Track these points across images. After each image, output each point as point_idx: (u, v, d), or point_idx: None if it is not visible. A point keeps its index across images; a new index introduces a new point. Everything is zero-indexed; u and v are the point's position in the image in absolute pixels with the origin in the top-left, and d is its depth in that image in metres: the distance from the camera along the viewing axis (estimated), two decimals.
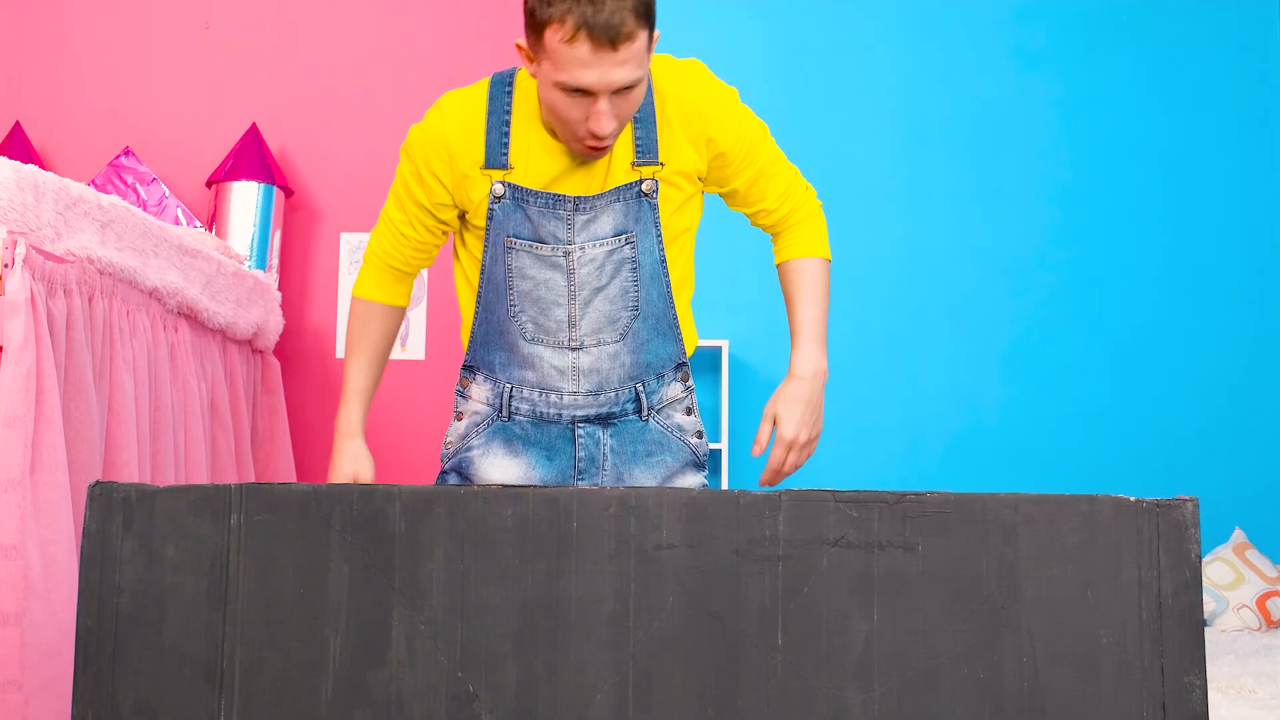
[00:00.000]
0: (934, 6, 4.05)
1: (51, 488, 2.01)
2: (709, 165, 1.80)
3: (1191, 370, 3.90)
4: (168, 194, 3.81)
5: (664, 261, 1.81)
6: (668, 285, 1.82)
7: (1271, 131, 3.98)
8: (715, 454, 3.76)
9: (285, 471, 3.47)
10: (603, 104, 1.60)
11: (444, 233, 1.85)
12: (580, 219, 1.74)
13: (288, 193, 3.84)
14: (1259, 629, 3.39)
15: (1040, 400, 3.90)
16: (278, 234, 3.75)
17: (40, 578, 1.95)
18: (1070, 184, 3.96)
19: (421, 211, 1.79)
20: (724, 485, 3.72)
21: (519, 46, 1.68)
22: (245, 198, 3.69)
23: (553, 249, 1.75)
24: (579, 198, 1.74)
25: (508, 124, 1.74)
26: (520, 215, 1.74)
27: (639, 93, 1.64)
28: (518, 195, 1.73)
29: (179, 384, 2.79)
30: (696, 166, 1.79)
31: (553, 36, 1.56)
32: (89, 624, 1.24)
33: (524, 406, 1.83)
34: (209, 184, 3.78)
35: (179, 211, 3.78)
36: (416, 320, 3.91)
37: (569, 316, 1.78)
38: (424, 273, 3.93)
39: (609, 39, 1.54)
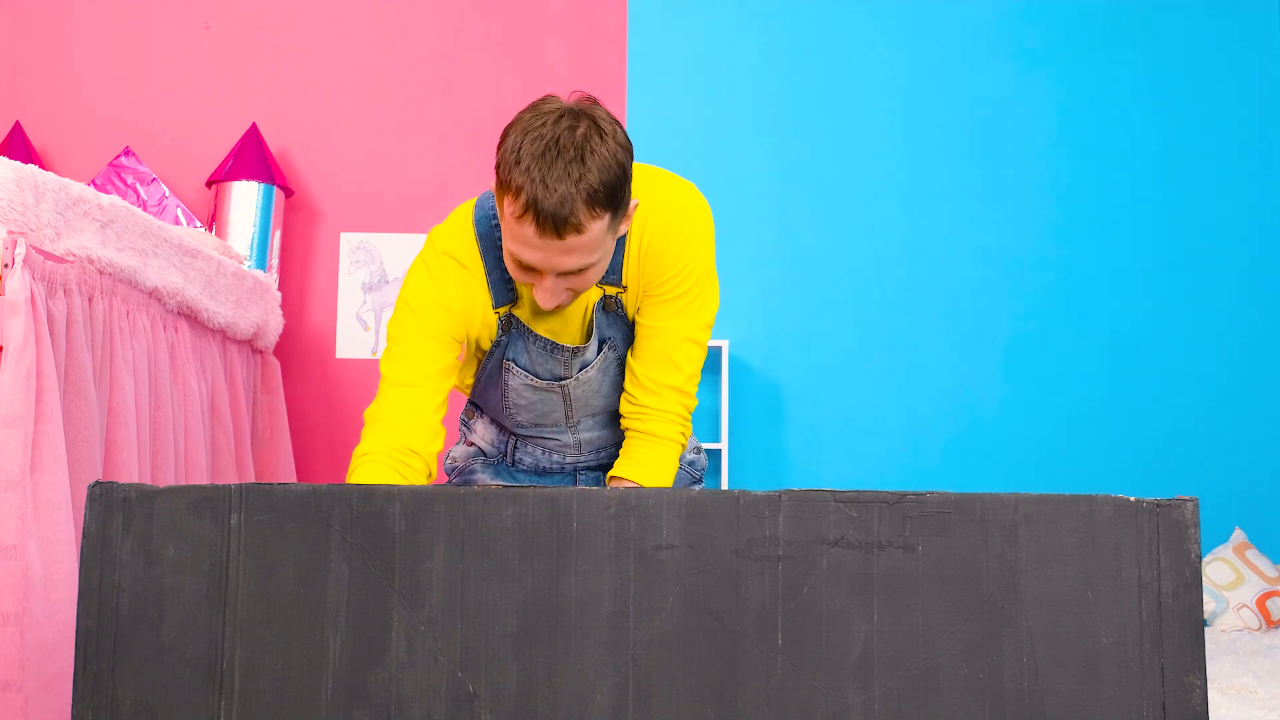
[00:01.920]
0: (933, 7, 4.05)
1: (51, 488, 2.01)
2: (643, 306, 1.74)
3: (1191, 370, 3.90)
4: (168, 194, 3.81)
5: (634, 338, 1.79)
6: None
7: (1270, 131, 3.98)
8: (715, 454, 3.77)
9: (285, 471, 3.47)
10: (548, 282, 1.53)
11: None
12: (576, 361, 1.74)
13: (288, 193, 3.84)
14: (1259, 629, 3.39)
15: (1040, 400, 3.90)
16: (278, 234, 3.75)
17: (40, 578, 1.95)
18: (1069, 183, 3.96)
19: (445, 340, 1.69)
20: (724, 485, 3.72)
21: (495, 195, 1.59)
22: (245, 198, 3.69)
23: (549, 385, 1.76)
24: (575, 348, 1.72)
25: (503, 260, 1.66)
26: (521, 347, 1.73)
27: (595, 272, 1.55)
28: (519, 329, 1.71)
29: (179, 384, 2.79)
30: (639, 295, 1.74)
31: (507, 206, 1.49)
32: (89, 624, 1.24)
33: (527, 459, 1.88)
34: (209, 184, 3.78)
35: (179, 211, 3.78)
36: None
37: (565, 418, 1.81)
38: None
39: (554, 227, 1.45)
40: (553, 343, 1.71)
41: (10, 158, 2.39)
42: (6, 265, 2.05)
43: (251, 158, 3.73)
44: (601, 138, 1.48)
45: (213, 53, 4.04)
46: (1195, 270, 3.94)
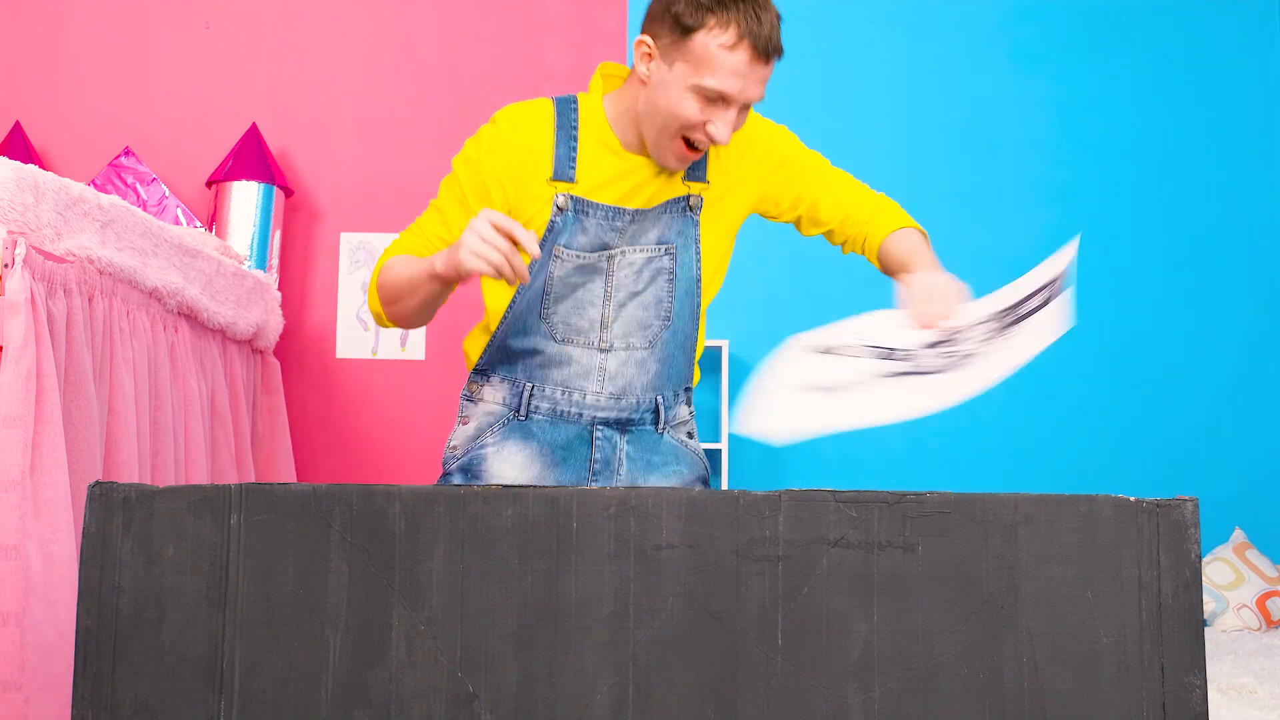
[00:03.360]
0: (933, 7, 4.05)
1: (51, 488, 2.01)
2: (777, 186, 1.87)
3: (1191, 370, 3.90)
4: (168, 194, 3.81)
5: (699, 280, 1.82)
6: (698, 304, 1.84)
7: (1270, 131, 3.98)
8: (715, 454, 3.76)
9: (285, 471, 3.48)
10: (733, 114, 1.64)
11: None
12: (631, 229, 1.77)
13: (288, 193, 3.84)
14: (1259, 629, 3.39)
15: (1040, 400, 3.90)
16: (278, 234, 3.75)
17: (40, 578, 1.95)
18: (1069, 183, 3.96)
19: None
20: (724, 485, 3.72)
21: (641, 42, 1.69)
22: (245, 198, 3.69)
23: (599, 256, 1.76)
24: (636, 210, 1.76)
25: (575, 138, 1.75)
26: (577, 227, 1.75)
27: (749, 112, 1.70)
28: (579, 207, 1.74)
29: (179, 384, 2.79)
30: (745, 193, 1.85)
31: (708, 39, 1.59)
32: (89, 624, 1.24)
33: (544, 405, 1.81)
34: (209, 184, 3.78)
35: (179, 211, 3.78)
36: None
37: (601, 317, 1.78)
38: None
39: (767, 51, 1.60)
40: (617, 209, 1.75)
41: (10, 158, 2.39)
42: (6, 265, 2.05)
43: (251, 158, 3.73)
44: None
45: (213, 53, 4.04)
46: (1195, 270, 3.94)
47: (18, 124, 3.85)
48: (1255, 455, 3.86)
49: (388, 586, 1.23)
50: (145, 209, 3.74)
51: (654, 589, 1.22)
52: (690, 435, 1.93)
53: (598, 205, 1.74)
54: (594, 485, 1.80)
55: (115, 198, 2.48)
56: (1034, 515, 1.22)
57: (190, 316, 2.90)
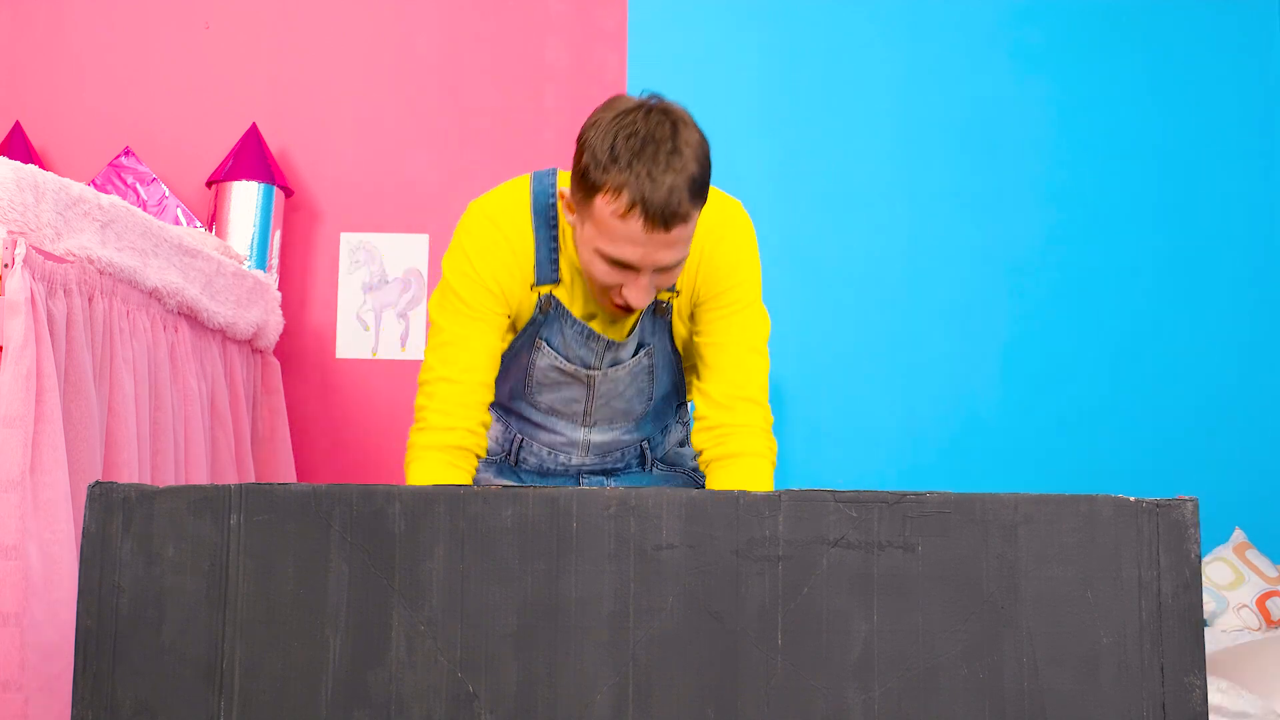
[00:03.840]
0: (933, 7, 4.05)
1: (51, 488, 2.01)
2: (704, 316, 1.74)
3: (1191, 369, 3.90)
4: (168, 194, 3.81)
5: (675, 351, 1.79)
6: (679, 363, 1.82)
7: (1270, 131, 3.98)
8: None
9: (285, 471, 3.47)
10: (644, 279, 1.54)
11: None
12: (609, 355, 1.73)
13: (288, 193, 3.84)
14: (1259, 629, 3.39)
15: (1040, 400, 3.90)
16: (278, 234, 3.75)
17: (40, 578, 1.95)
18: (1070, 183, 3.96)
19: (497, 326, 1.68)
20: None
21: (562, 195, 1.59)
22: (245, 198, 3.69)
23: (576, 370, 1.74)
24: (610, 341, 1.71)
25: (556, 240, 1.67)
26: (555, 328, 1.71)
27: (679, 268, 1.58)
28: (558, 312, 1.70)
29: (179, 384, 2.79)
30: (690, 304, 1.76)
31: (604, 205, 1.48)
32: (89, 624, 1.24)
33: (532, 459, 1.85)
34: (209, 184, 3.78)
35: (179, 211, 3.78)
36: (416, 320, 3.91)
37: (585, 410, 1.79)
38: (423, 271, 3.93)
39: (663, 220, 1.47)
40: (591, 330, 1.69)
41: (10, 158, 2.39)
42: (6, 265, 2.05)
43: (251, 158, 3.73)
44: (688, 127, 1.50)
45: (213, 53, 4.04)
46: (1195, 270, 3.94)
47: (18, 124, 3.85)
48: (1255, 455, 3.86)
49: (388, 586, 1.23)
50: (145, 209, 3.74)
51: (654, 589, 1.22)
52: (683, 443, 1.93)
53: (572, 319, 1.70)
54: None
55: (115, 198, 2.48)
56: (1034, 515, 1.22)
57: (190, 316, 2.90)
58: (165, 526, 1.25)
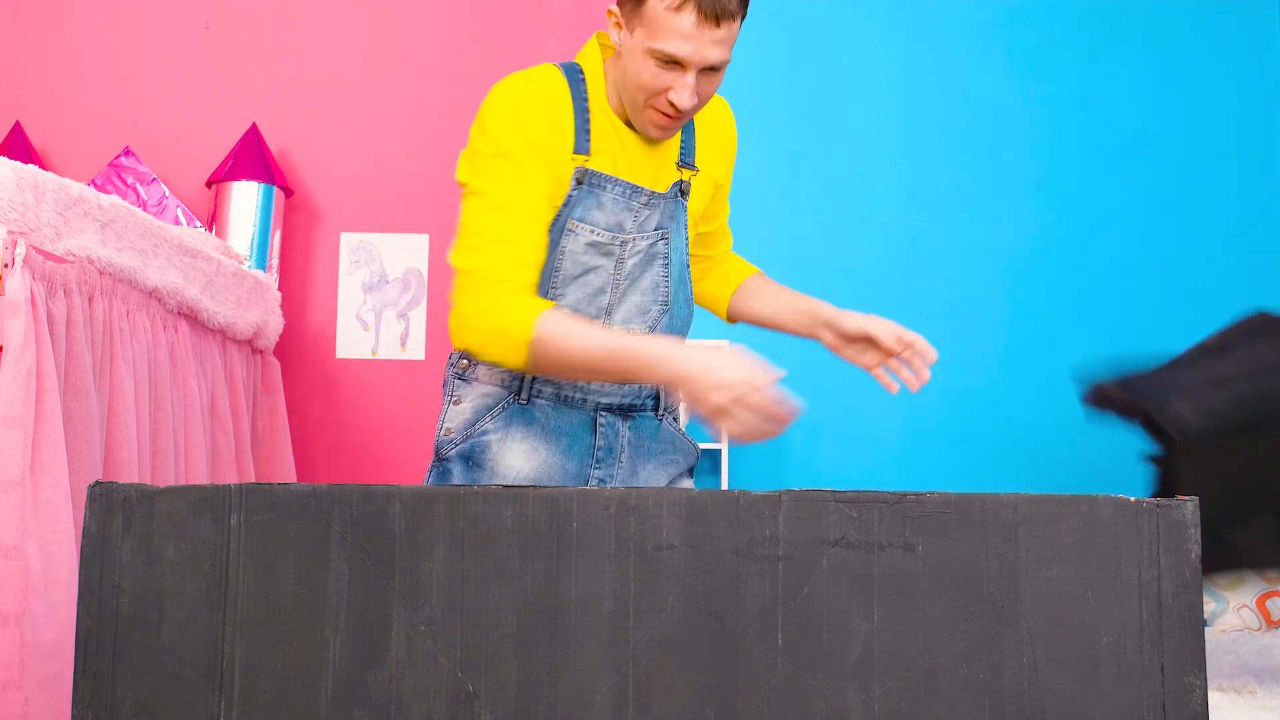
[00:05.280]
0: (933, 7, 4.05)
1: (51, 488, 2.01)
2: (715, 200, 1.90)
3: None
4: (168, 194, 3.81)
5: (688, 264, 1.82)
6: (689, 288, 1.84)
7: (1270, 131, 3.98)
8: (715, 454, 3.76)
9: (285, 471, 3.48)
10: (690, 78, 1.61)
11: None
12: (645, 214, 1.74)
13: (288, 193, 3.84)
14: (1259, 629, 3.39)
15: (1040, 400, 3.90)
16: (278, 234, 3.75)
17: (40, 578, 1.95)
18: (1068, 183, 3.96)
19: (543, 193, 1.65)
20: (724, 485, 3.72)
21: (610, 12, 1.66)
22: (245, 198, 3.69)
23: (612, 238, 1.71)
24: (652, 192, 1.74)
25: (588, 110, 1.72)
26: (593, 201, 1.70)
27: (719, 77, 1.66)
28: (596, 182, 1.70)
29: (179, 384, 2.79)
30: (713, 184, 1.86)
31: (657, 3, 1.57)
32: (89, 624, 1.24)
33: (547, 389, 1.75)
34: (209, 184, 3.78)
35: (179, 211, 3.78)
36: (416, 320, 3.91)
37: (608, 303, 1.74)
38: (423, 271, 3.93)
39: (714, 14, 1.56)
40: (634, 186, 1.72)
41: (10, 158, 2.39)
42: (6, 265, 2.05)
43: (251, 158, 3.73)
44: None
45: (213, 53, 4.04)
46: (1195, 270, 3.94)
47: (18, 124, 3.85)
48: None
49: (388, 586, 1.23)
50: (145, 209, 3.74)
51: (654, 589, 1.22)
52: (676, 420, 1.93)
53: (615, 180, 1.71)
54: (595, 473, 1.79)
55: (115, 198, 2.48)
56: (1034, 515, 1.22)
57: (190, 316, 2.90)
58: (165, 526, 1.25)
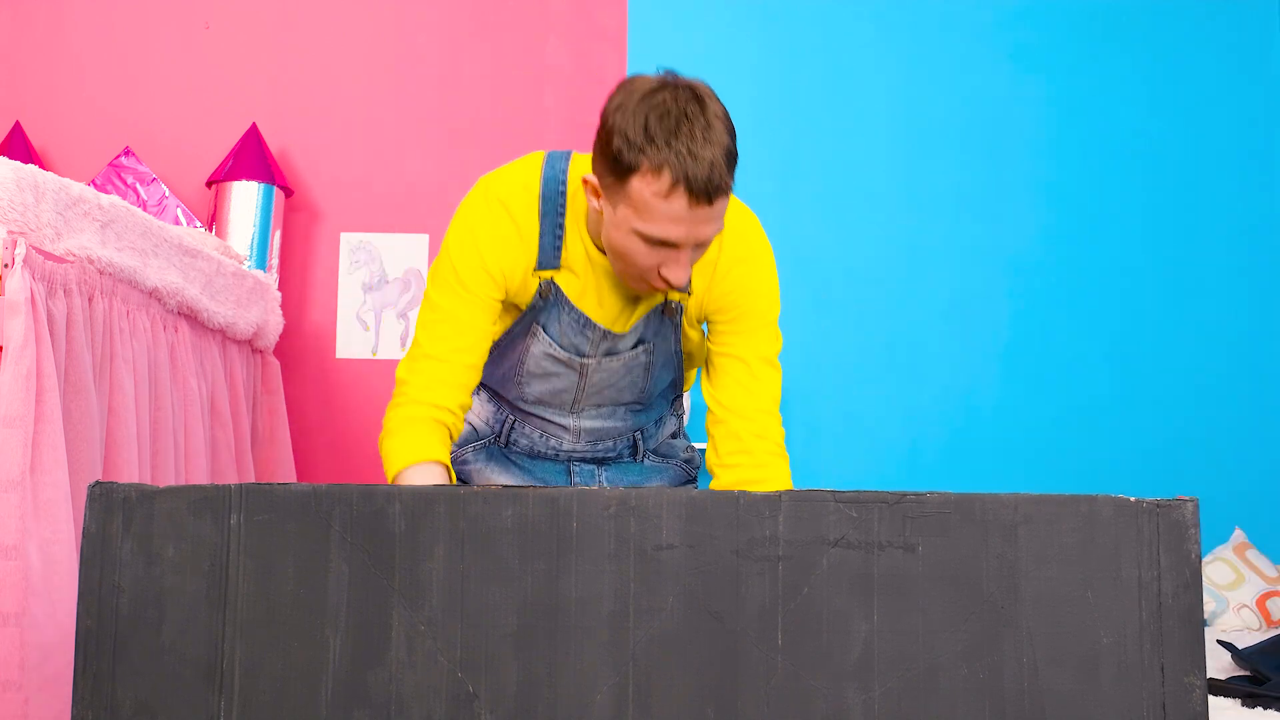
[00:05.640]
0: (932, 7, 4.05)
1: (51, 488, 2.01)
2: (720, 321, 1.75)
3: (1192, 370, 3.90)
4: (168, 194, 3.81)
5: (679, 352, 1.79)
6: (680, 363, 1.81)
7: (1270, 131, 3.98)
8: None
9: (285, 471, 3.47)
10: (684, 255, 1.52)
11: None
12: (604, 345, 1.72)
13: (288, 193, 3.84)
14: (1259, 629, 3.39)
15: (1040, 400, 3.90)
16: (278, 234, 3.75)
17: (40, 578, 1.94)
18: (1068, 183, 3.96)
19: (491, 309, 1.66)
20: None
21: (586, 182, 1.56)
22: (245, 198, 3.69)
23: (570, 358, 1.72)
24: (607, 331, 1.69)
25: (562, 234, 1.65)
26: (553, 315, 1.70)
27: (714, 239, 1.57)
28: (557, 299, 1.68)
29: (179, 384, 2.79)
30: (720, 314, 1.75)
31: (643, 186, 1.46)
32: (89, 624, 1.24)
33: (523, 442, 1.83)
34: (209, 184, 3.78)
35: (179, 211, 3.78)
36: (416, 320, 3.91)
37: (574, 400, 1.78)
38: (423, 271, 3.93)
39: (707, 195, 1.45)
40: (587, 319, 1.68)
41: (10, 158, 2.39)
42: (6, 265, 2.05)
43: (251, 158, 3.73)
44: (713, 100, 1.50)
45: (213, 53, 4.04)
46: (1195, 270, 3.94)
47: (18, 124, 3.85)
48: (1255, 455, 3.86)
49: (388, 586, 1.23)
50: (145, 209, 3.74)
51: (654, 589, 1.22)
52: (675, 435, 1.93)
53: (573, 309, 1.68)
54: None
55: (115, 198, 2.48)
56: (1034, 515, 1.22)
57: (190, 316, 2.90)
58: (165, 526, 1.25)
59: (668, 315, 1.72)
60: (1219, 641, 2.69)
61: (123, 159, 3.85)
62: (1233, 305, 3.94)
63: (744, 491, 1.24)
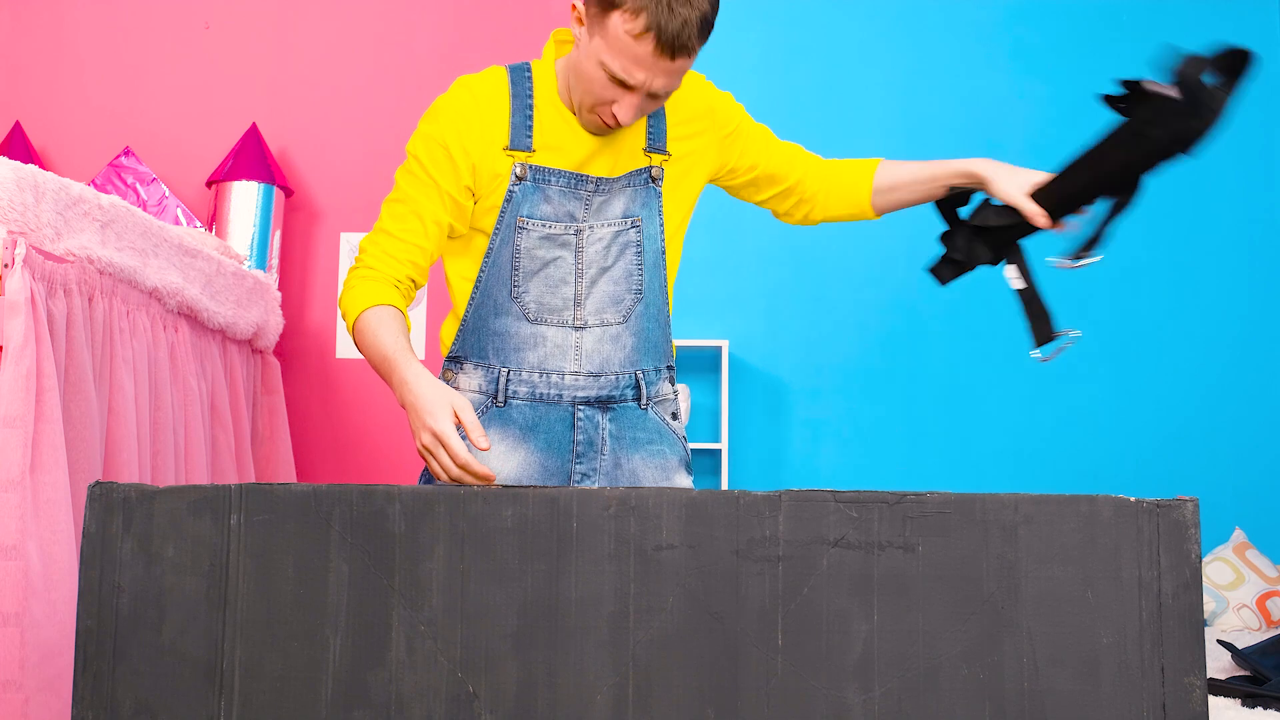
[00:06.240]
0: (932, 7, 4.05)
1: (51, 488, 2.01)
2: (734, 152, 1.89)
3: (1191, 370, 3.90)
4: (168, 194, 3.81)
5: (664, 251, 1.82)
6: (665, 276, 1.84)
7: (1270, 131, 3.98)
8: (715, 454, 3.76)
9: (285, 471, 3.47)
10: (635, 98, 1.62)
11: (452, 229, 1.78)
12: (597, 200, 1.77)
13: (288, 193, 3.84)
14: (1259, 629, 3.39)
15: (1040, 400, 3.90)
16: (278, 234, 3.75)
17: (40, 578, 1.95)
18: None
19: (448, 199, 1.73)
20: (724, 485, 3.72)
21: (574, 7, 1.66)
22: (245, 198, 3.69)
23: (565, 228, 1.75)
24: (599, 179, 1.76)
25: (531, 106, 1.74)
26: (538, 196, 1.74)
27: (664, 99, 1.67)
28: (539, 176, 1.74)
29: (179, 384, 2.79)
30: (706, 163, 1.85)
31: (619, 23, 1.56)
32: (89, 624, 1.24)
33: (522, 389, 1.78)
34: (209, 184, 3.78)
35: (179, 211, 3.78)
36: (416, 320, 3.91)
37: (575, 294, 1.77)
38: None
39: (672, 48, 1.56)
40: (578, 175, 1.75)
41: (10, 158, 2.39)
42: (6, 265, 2.05)
43: (251, 158, 3.73)
44: None
45: (213, 53, 4.04)
46: (1195, 270, 3.94)
47: (18, 124, 3.85)
48: (1255, 455, 3.86)
49: (388, 586, 1.23)
50: (145, 209, 3.74)
51: (654, 589, 1.22)
52: (674, 416, 1.92)
53: (558, 172, 1.75)
54: (577, 468, 1.79)
55: (115, 198, 2.48)
56: (1034, 515, 1.22)
57: (190, 316, 2.90)
58: (165, 526, 1.25)
59: (652, 182, 1.80)
60: (1219, 641, 2.69)
61: (123, 159, 3.85)
62: (1233, 305, 3.94)
63: (744, 491, 1.24)
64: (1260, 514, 3.80)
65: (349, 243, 3.95)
